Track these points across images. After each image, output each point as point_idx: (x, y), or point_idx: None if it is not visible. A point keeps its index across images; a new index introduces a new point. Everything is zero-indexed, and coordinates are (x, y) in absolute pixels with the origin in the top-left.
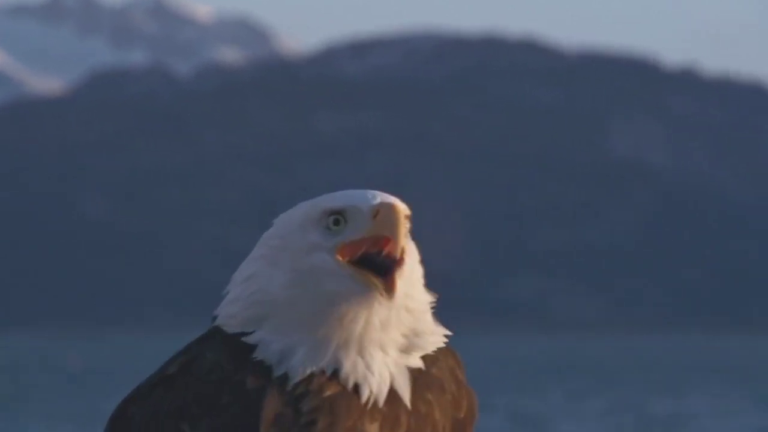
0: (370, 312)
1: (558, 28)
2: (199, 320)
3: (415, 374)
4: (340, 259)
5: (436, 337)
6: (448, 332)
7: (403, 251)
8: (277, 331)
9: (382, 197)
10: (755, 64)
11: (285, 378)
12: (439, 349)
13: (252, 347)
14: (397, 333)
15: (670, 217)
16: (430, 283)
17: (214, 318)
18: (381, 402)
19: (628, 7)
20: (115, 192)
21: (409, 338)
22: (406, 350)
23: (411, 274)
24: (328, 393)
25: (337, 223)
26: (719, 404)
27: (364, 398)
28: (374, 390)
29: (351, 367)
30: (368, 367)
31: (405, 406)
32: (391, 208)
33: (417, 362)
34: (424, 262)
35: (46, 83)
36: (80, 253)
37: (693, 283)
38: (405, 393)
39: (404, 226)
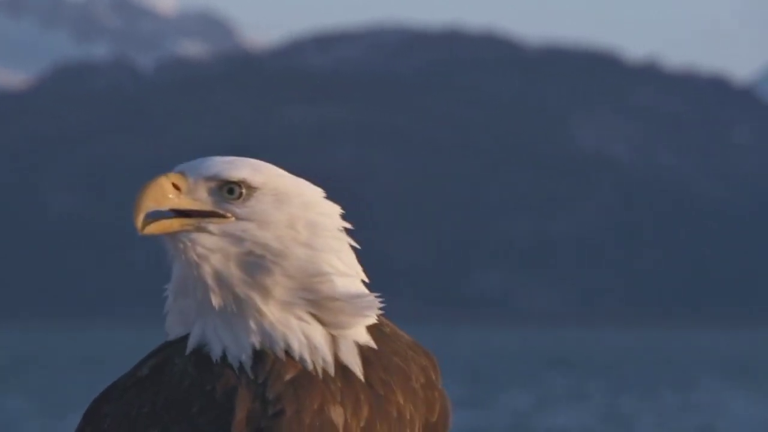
0: (226, 268)
1: (520, 22)
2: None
3: (365, 352)
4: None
5: (360, 301)
6: (375, 297)
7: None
8: (195, 319)
9: (179, 168)
10: (718, 57)
11: (242, 370)
12: (408, 345)
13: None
14: (280, 288)
15: (633, 210)
16: (396, 277)
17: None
18: (331, 371)
19: (591, 1)
20: (80, 185)
21: (318, 301)
22: (333, 318)
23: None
24: (288, 377)
25: None
26: (683, 399)
27: (309, 367)
28: (315, 357)
29: (280, 337)
30: (304, 334)
31: (360, 382)
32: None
33: (361, 337)
34: (390, 255)
35: (9, 76)
36: (46, 246)
37: (656, 276)
38: (355, 366)
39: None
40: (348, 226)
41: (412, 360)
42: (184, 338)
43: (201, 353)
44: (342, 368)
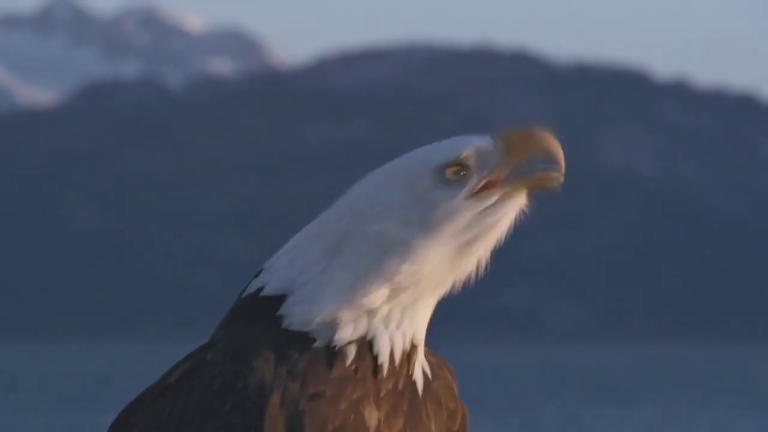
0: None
1: (549, 40)
2: (189, 329)
3: (424, 370)
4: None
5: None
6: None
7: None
8: (391, 316)
9: (481, 136)
10: (747, 75)
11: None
12: (438, 363)
13: (254, 345)
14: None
15: (660, 228)
16: None
17: (255, 316)
18: (401, 379)
19: (620, 19)
20: (107, 202)
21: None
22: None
23: None
24: (350, 370)
25: (456, 173)
26: (706, 414)
27: (385, 372)
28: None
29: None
30: (420, 338)
31: (410, 394)
32: (524, 131)
33: (422, 356)
34: None
35: (38, 94)
36: (72, 263)
37: (683, 294)
38: (419, 382)
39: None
40: None
41: (443, 381)
42: (215, 343)
43: (238, 349)
44: (403, 376)
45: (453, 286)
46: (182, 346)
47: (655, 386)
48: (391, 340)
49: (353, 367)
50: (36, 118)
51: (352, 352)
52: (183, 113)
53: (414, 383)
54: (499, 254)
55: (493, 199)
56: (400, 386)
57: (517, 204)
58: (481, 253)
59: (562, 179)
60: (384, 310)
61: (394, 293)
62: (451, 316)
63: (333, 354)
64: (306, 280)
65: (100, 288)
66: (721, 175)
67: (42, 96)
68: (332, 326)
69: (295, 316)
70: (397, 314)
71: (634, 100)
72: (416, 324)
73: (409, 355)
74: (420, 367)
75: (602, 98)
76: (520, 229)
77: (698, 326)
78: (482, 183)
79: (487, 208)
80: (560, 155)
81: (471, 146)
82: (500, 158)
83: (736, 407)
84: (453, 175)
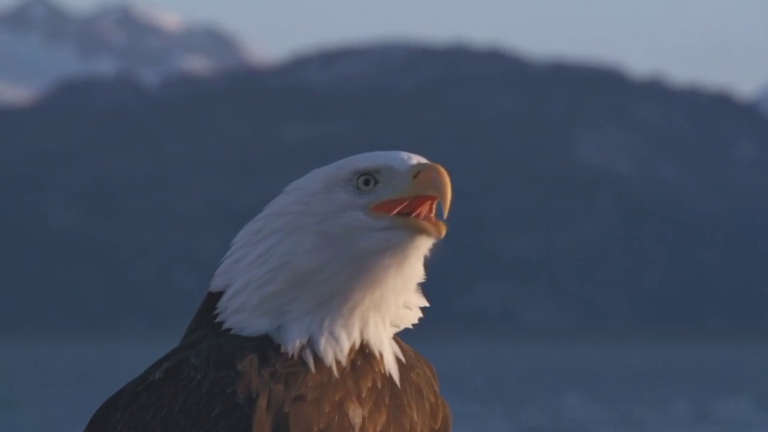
0: (400, 268)
1: (525, 38)
2: (166, 328)
3: (399, 362)
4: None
5: (415, 312)
6: (425, 303)
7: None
8: (300, 312)
9: (417, 158)
10: (722, 73)
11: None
12: (416, 357)
13: (238, 349)
14: (398, 301)
15: (635, 226)
16: None
17: (212, 318)
18: (378, 368)
19: (596, 17)
20: (83, 201)
21: (398, 310)
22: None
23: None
24: (329, 370)
25: (367, 183)
26: (682, 410)
27: (378, 367)
28: (384, 359)
29: (357, 338)
30: (377, 340)
31: (388, 389)
32: (436, 169)
33: (396, 347)
34: None
35: (14, 92)
36: (48, 262)
37: (657, 291)
38: (395, 374)
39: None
40: None
41: (422, 373)
42: (200, 341)
43: (222, 353)
44: (380, 371)
45: (366, 296)
46: (160, 345)
47: (631, 383)
48: (332, 341)
49: (329, 368)
50: (12, 117)
51: (308, 356)
52: (159, 111)
53: (391, 378)
54: (474, 252)
55: (384, 222)
56: (379, 384)
57: (414, 239)
58: (379, 270)
59: (443, 233)
60: (302, 308)
61: (301, 290)
62: (426, 314)
63: (305, 356)
64: (235, 278)
65: (76, 287)
66: (697, 172)
67: (18, 94)
68: (274, 326)
69: (226, 315)
70: (323, 315)
71: (610, 99)
72: (354, 326)
73: (380, 354)
74: (393, 360)
75: (578, 96)
76: (496, 227)
77: (674, 324)
78: (379, 202)
79: (382, 229)
80: (448, 205)
81: (385, 163)
82: (405, 185)
83: (713, 403)
84: (362, 184)
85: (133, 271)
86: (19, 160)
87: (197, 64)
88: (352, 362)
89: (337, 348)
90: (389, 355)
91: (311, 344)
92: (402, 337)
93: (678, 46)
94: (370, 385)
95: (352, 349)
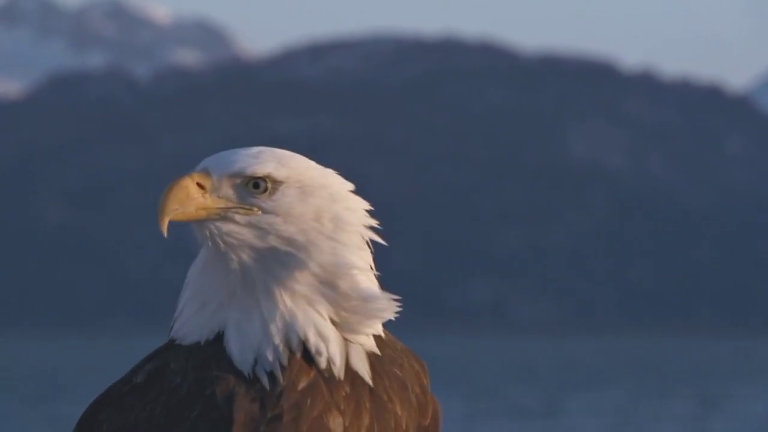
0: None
1: (516, 31)
2: (160, 325)
3: (371, 358)
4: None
5: (377, 303)
6: (395, 296)
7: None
8: (211, 320)
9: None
10: (713, 66)
11: (250, 369)
12: (402, 352)
13: (216, 352)
14: (302, 283)
15: (626, 220)
16: (388, 286)
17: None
18: (341, 375)
19: (587, 10)
20: (75, 196)
21: (336, 299)
22: (347, 319)
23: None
24: (291, 380)
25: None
26: (674, 405)
27: (320, 368)
28: (331, 356)
29: (292, 335)
30: (321, 334)
31: (365, 389)
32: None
33: (368, 343)
34: (382, 265)
35: (4, 86)
36: (39, 258)
37: (649, 286)
38: (364, 373)
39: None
40: (373, 223)
41: (408, 367)
42: (174, 347)
43: (200, 357)
44: (351, 374)
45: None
46: (153, 342)
47: (623, 378)
48: (278, 347)
49: (300, 381)
50: (2, 110)
51: (262, 372)
52: (151, 105)
53: (363, 379)
54: (465, 246)
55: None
56: (351, 388)
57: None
58: (232, 263)
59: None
60: (230, 312)
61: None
62: (417, 308)
63: (259, 372)
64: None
65: (67, 283)
66: (688, 167)
67: (9, 87)
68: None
69: (174, 328)
70: (253, 316)
71: (601, 92)
72: (289, 328)
73: (347, 357)
74: (363, 357)
75: (569, 89)
76: (486, 222)
77: (665, 318)
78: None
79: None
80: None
81: (208, 163)
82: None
83: (703, 399)
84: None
85: (125, 267)
86: (10, 155)
87: (188, 57)
88: (319, 372)
89: (275, 353)
90: (352, 353)
91: (257, 356)
92: (393, 332)
93: (669, 40)
94: (348, 390)
95: (289, 349)
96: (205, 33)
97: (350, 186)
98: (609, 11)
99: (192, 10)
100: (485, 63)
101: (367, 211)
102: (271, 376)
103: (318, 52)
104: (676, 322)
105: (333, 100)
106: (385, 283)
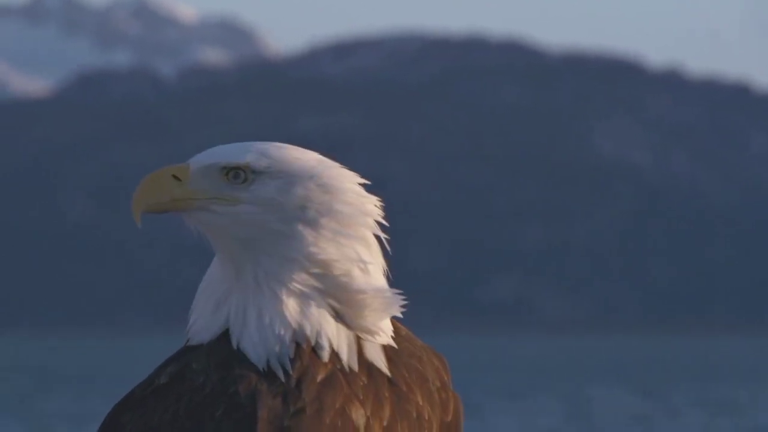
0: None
1: (541, 29)
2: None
3: (387, 351)
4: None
5: (383, 297)
6: (398, 291)
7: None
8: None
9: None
10: (740, 65)
11: (266, 366)
12: (421, 348)
13: (233, 350)
14: (295, 275)
15: (652, 218)
16: (413, 284)
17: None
18: (354, 366)
19: (612, 8)
20: (99, 194)
21: (337, 294)
22: (347, 312)
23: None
24: (311, 374)
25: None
26: (697, 405)
27: (335, 363)
28: (336, 348)
29: (300, 325)
30: (328, 327)
31: (384, 380)
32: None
33: (382, 336)
34: (406, 263)
35: (30, 84)
36: (64, 255)
37: (674, 284)
38: (380, 363)
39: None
40: (378, 218)
41: (427, 362)
42: (204, 344)
43: (221, 355)
44: (367, 365)
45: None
46: (174, 340)
47: (647, 376)
48: (282, 339)
49: (318, 374)
50: (29, 108)
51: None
52: (175, 103)
53: (379, 370)
54: (488, 244)
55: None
56: (373, 377)
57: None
58: (229, 250)
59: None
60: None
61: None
62: (441, 306)
63: (274, 366)
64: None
65: (93, 281)
66: (713, 165)
67: (35, 86)
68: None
69: (190, 330)
70: (250, 309)
71: (626, 90)
72: (282, 319)
73: (358, 348)
74: (378, 349)
75: (594, 88)
76: (510, 219)
77: (689, 317)
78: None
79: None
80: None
81: (199, 159)
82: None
83: (724, 397)
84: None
85: (148, 265)
86: (36, 152)
87: (213, 55)
88: (335, 364)
89: (280, 346)
90: (365, 344)
91: (265, 350)
92: (414, 331)
93: (695, 37)
94: (366, 381)
95: (295, 340)
96: (230, 32)
97: (358, 180)
98: (634, 9)
99: (218, 9)
100: (510, 61)
101: (380, 206)
102: (284, 369)
103: (341, 51)
104: (700, 320)
105: (355, 99)
106: (407, 281)
